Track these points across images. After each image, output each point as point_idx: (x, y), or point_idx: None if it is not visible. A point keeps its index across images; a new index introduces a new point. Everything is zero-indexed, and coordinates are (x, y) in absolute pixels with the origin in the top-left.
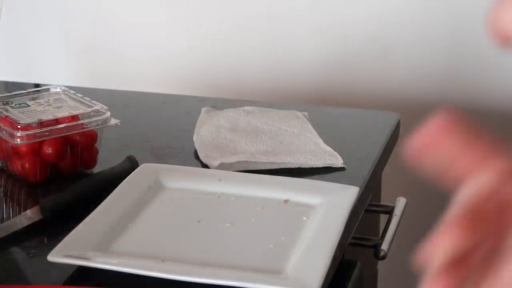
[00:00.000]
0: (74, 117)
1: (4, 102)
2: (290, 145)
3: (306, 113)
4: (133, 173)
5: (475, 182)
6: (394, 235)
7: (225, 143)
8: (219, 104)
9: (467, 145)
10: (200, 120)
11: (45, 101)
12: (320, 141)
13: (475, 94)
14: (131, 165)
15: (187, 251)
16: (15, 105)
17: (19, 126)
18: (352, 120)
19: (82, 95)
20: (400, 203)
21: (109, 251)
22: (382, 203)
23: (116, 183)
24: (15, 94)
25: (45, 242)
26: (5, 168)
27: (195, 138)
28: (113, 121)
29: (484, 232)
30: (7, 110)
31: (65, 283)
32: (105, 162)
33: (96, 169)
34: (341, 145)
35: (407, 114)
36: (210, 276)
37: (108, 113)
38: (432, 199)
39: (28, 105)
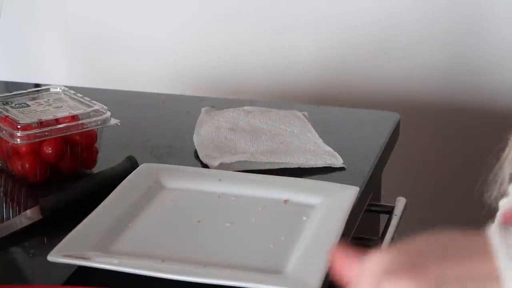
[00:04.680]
0: (74, 117)
1: (4, 102)
2: (290, 145)
3: (306, 113)
4: (133, 173)
5: None
6: (394, 235)
7: (225, 143)
8: (219, 104)
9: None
10: (200, 120)
11: (45, 101)
12: (320, 141)
13: (475, 94)
14: (131, 165)
15: (187, 251)
16: (15, 105)
17: (19, 126)
18: (352, 120)
19: (82, 95)
20: (400, 203)
21: (109, 251)
22: (382, 203)
23: (116, 183)
24: (15, 94)
25: (45, 242)
26: (5, 168)
27: (195, 138)
28: (113, 121)
29: None
30: (7, 110)
31: (65, 283)
32: (105, 162)
33: (96, 169)
34: (341, 145)
35: (407, 114)
36: (210, 276)
37: (108, 113)
38: (432, 199)
39: (28, 105)
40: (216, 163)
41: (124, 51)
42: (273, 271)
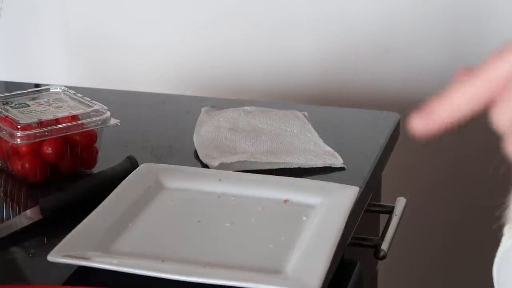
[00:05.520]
0: (74, 117)
1: (4, 102)
2: (290, 145)
3: (306, 113)
4: (133, 173)
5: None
6: (394, 235)
7: (225, 143)
8: (219, 104)
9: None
10: (200, 120)
11: (45, 101)
12: (320, 141)
13: None
14: (131, 165)
15: (187, 251)
16: (15, 105)
17: (19, 126)
18: (352, 120)
19: (82, 95)
20: (400, 203)
21: (109, 251)
22: (382, 203)
23: (116, 183)
24: (15, 94)
25: (45, 242)
26: (5, 168)
27: (195, 138)
28: (113, 121)
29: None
30: (7, 110)
31: (65, 283)
32: (105, 162)
33: (96, 169)
34: (341, 145)
35: (407, 114)
36: (210, 276)
37: (108, 113)
38: (432, 199)
39: (28, 105)
40: (216, 163)
41: (124, 50)
42: (273, 271)
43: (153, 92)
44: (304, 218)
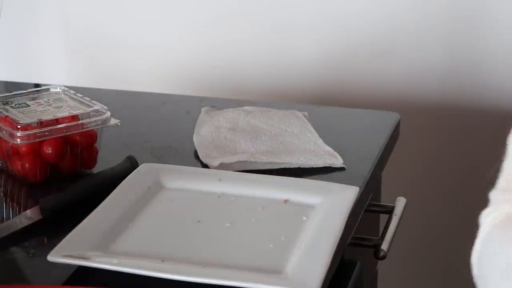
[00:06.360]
0: (74, 117)
1: (4, 102)
2: (290, 145)
3: (306, 113)
4: (133, 173)
5: None
6: (394, 235)
7: (225, 143)
8: (219, 104)
9: None
10: (200, 120)
11: (45, 101)
12: (320, 141)
13: (474, 94)
14: (131, 165)
15: (187, 251)
16: (15, 105)
17: (19, 126)
18: (352, 120)
19: (82, 95)
20: (400, 203)
21: (109, 251)
22: (382, 203)
23: (116, 183)
24: (15, 94)
25: (45, 242)
26: (5, 168)
27: (195, 138)
28: (113, 121)
29: None
30: (7, 110)
31: (65, 283)
32: (105, 162)
33: (96, 169)
34: (341, 145)
35: (407, 114)
36: (210, 276)
37: (108, 113)
38: (432, 199)
39: (28, 105)
40: (216, 163)
41: (124, 50)
42: (273, 271)
43: (153, 92)
44: (304, 218)
